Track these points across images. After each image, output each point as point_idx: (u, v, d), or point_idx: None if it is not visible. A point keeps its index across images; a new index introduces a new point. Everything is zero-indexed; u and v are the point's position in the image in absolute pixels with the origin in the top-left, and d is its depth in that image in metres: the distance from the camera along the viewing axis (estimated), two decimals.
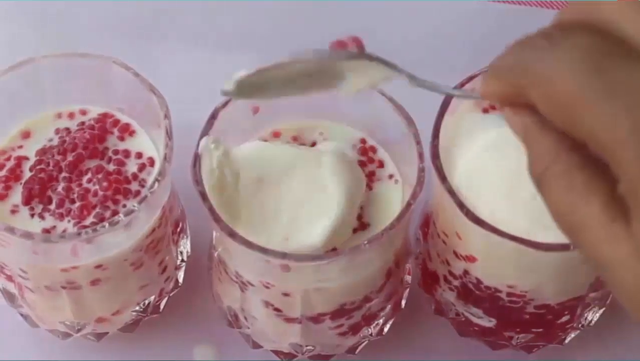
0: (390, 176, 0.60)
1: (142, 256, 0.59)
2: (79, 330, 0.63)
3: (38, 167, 0.59)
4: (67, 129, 0.61)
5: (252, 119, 0.59)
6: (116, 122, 0.62)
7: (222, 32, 0.78)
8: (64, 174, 0.59)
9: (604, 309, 0.63)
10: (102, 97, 0.61)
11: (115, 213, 0.57)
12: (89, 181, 0.59)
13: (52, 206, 0.58)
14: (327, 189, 0.56)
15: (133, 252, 0.58)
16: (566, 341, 0.64)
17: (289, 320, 0.59)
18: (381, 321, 0.62)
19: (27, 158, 0.60)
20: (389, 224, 0.54)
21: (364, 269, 0.56)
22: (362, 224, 0.58)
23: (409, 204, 0.54)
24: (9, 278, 0.61)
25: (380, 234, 0.54)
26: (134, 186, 0.59)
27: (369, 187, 0.59)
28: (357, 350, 0.64)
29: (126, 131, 0.61)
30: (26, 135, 0.61)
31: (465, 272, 0.59)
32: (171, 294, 0.65)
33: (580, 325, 0.63)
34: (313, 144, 0.60)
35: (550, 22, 0.41)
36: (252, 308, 0.60)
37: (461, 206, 0.54)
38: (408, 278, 0.63)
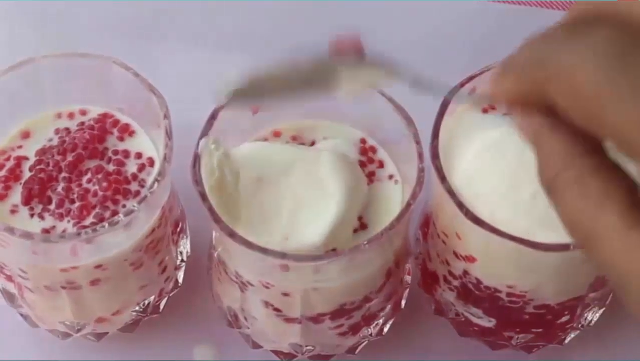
0: (390, 176, 0.60)
1: (142, 256, 0.59)
2: (78, 330, 0.63)
3: (38, 167, 0.59)
4: (67, 129, 0.61)
5: (251, 119, 0.59)
6: (116, 122, 0.62)
7: (222, 32, 0.78)
8: (63, 174, 0.59)
9: (603, 309, 0.63)
10: (102, 97, 0.61)
11: (115, 213, 0.57)
12: (89, 181, 0.59)
13: (52, 206, 0.58)
14: (327, 188, 0.56)
15: (133, 252, 0.58)
16: (566, 341, 0.64)
17: (289, 320, 0.59)
18: (381, 321, 0.62)
19: (26, 158, 0.60)
20: (389, 224, 0.54)
21: (364, 269, 0.56)
22: (362, 224, 0.58)
23: (408, 204, 0.54)
24: (9, 278, 0.61)
25: (380, 234, 0.54)
26: (134, 186, 0.59)
27: (369, 187, 0.59)
28: (357, 350, 0.64)
29: (126, 131, 0.61)
30: (26, 135, 0.61)
31: (465, 272, 0.59)
32: (171, 295, 0.65)
33: (580, 325, 0.63)
34: (312, 144, 0.60)
35: (564, 16, 0.40)
36: (252, 308, 0.60)
37: (461, 206, 0.54)
38: (408, 278, 0.63)
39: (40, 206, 0.58)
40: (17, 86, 0.60)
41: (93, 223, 0.57)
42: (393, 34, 0.77)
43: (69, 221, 0.58)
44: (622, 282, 0.36)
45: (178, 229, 0.63)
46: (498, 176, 0.56)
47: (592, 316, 0.63)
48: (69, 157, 0.60)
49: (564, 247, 0.52)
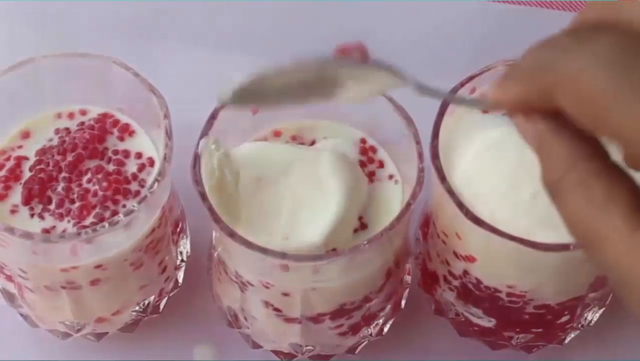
0: (390, 176, 0.60)
1: (142, 256, 0.59)
2: (78, 330, 0.63)
3: (38, 167, 0.59)
4: (67, 129, 0.61)
5: (251, 119, 0.59)
6: (116, 122, 0.62)
7: (222, 32, 0.78)
8: (63, 174, 0.59)
9: (603, 309, 0.63)
10: (102, 97, 0.61)
11: (115, 213, 0.57)
12: (89, 181, 0.59)
13: (52, 206, 0.58)
14: (327, 188, 0.56)
15: (133, 252, 0.58)
16: (566, 341, 0.64)
17: (289, 320, 0.59)
18: (381, 321, 0.62)
19: (26, 158, 0.60)
20: (389, 225, 0.54)
21: (364, 269, 0.56)
22: (362, 224, 0.58)
23: (408, 204, 0.54)
24: (9, 278, 0.61)
25: (380, 234, 0.54)
26: (134, 186, 0.59)
27: (369, 187, 0.59)
28: (357, 350, 0.64)
29: (126, 131, 0.61)
30: (26, 135, 0.61)
31: (465, 272, 0.59)
32: (171, 295, 0.65)
33: (580, 325, 0.63)
34: (312, 144, 0.60)
35: (570, 23, 0.40)
36: (251, 308, 0.60)
37: (461, 206, 0.54)
38: (408, 278, 0.63)
39: (41, 206, 0.58)
40: (17, 86, 0.60)
41: (93, 223, 0.57)
42: (393, 34, 0.77)
43: (69, 221, 0.58)
44: (625, 283, 0.36)
45: (178, 229, 0.63)
46: (498, 176, 0.55)
47: (592, 316, 0.63)
48: (69, 157, 0.60)
49: (564, 247, 0.52)
